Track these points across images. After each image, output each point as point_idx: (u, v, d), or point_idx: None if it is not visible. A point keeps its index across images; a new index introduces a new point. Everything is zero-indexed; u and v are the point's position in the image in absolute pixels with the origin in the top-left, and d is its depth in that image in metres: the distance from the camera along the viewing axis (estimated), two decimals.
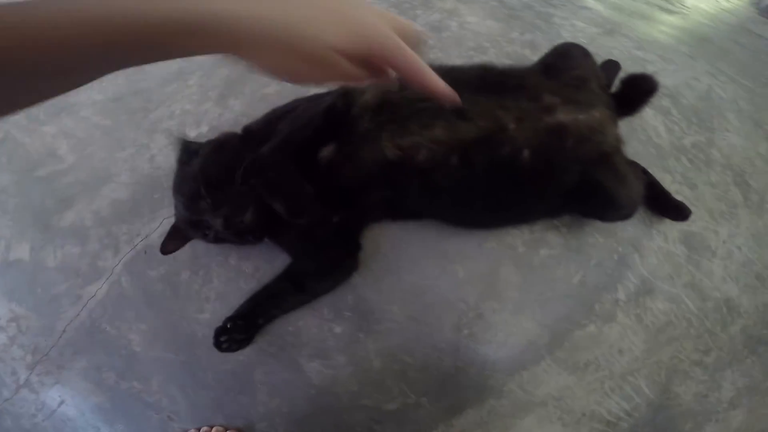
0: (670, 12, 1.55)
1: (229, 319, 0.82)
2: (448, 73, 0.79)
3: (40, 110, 1.08)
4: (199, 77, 1.09)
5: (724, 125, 1.15)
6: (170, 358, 0.87)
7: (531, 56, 1.13)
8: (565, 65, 0.93)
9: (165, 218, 0.94)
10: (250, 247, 0.89)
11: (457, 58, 1.14)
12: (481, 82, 0.85)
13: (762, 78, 1.37)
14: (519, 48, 1.17)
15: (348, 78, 0.42)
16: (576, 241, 0.92)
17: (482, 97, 0.80)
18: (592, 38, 1.25)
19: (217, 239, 0.82)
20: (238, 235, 0.79)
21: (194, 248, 0.90)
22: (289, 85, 1.12)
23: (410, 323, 0.86)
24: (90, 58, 0.32)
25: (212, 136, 0.97)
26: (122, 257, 0.93)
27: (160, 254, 0.87)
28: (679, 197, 0.97)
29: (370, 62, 0.41)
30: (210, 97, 1.05)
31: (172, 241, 0.86)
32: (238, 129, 0.89)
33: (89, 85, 1.07)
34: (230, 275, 0.89)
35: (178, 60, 1.12)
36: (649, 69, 1.20)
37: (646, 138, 1.05)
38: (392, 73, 0.44)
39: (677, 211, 0.97)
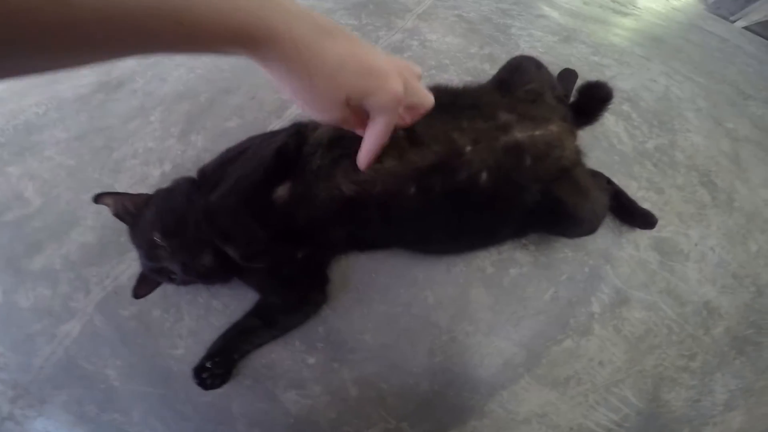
0: (623, 14, 1.45)
1: (206, 357, 0.74)
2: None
3: (3, 150, 0.97)
4: (161, 113, 0.97)
5: (684, 125, 1.06)
6: (148, 392, 0.79)
7: (490, 70, 1.03)
8: (519, 79, 0.83)
9: (133, 260, 0.84)
10: (219, 285, 0.80)
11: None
12: (440, 108, 0.75)
13: (716, 74, 1.28)
14: (478, 63, 1.07)
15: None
16: (545, 257, 0.83)
17: (436, 120, 0.69)
18: (550, 47, 1.15)
19: (185, 282, 0.73)
20: (201, 278, 0.71)
21: (164, 288, 0.81)
22: (250, 118, 1.01)
23: (384, 351, 0.77)
24: (143, 39, 0.30)
25: (175, 174, 0.87)
26: (93, 298, 0.84)
27: (130, 294, 0.77)
28: (646, 204, 0.89)
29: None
30: (172, 134, 0.94)
31: (143, 286, 0.77)
32: (198, 167, 0.80)
33: (52, 123, 0.94)
34: (200, 312, 0.80)
35: (139, 95, 1.02)
36: (606, 74, 1.11)
37: (608, 145, 0.96)
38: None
39: (644, 219, 0.87)
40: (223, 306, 0.80)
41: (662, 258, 0.88)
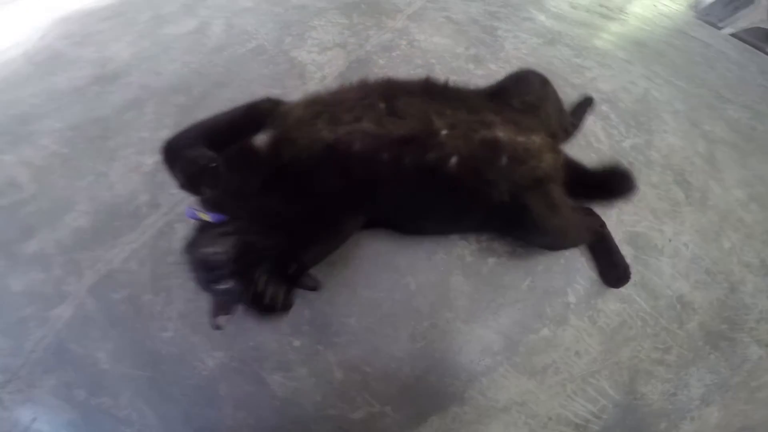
0: (609, 18, 1.52)
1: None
2: (387, 82, 0.72)
3: None
4: (155, 105, 1.02)
5: (661, 126, 1.12)
6: (137, 375, 0.82)
7: (475, 70, 1.09)
8: (519, 89, 0.89)
9: (126, 244, 0.88)
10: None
11: (405, 76, 1.08)
12: (422, 90, 0.81)
13: (696, 79, 1.35)
14: (464, 63, 1.13)
15: None
16: (522, 248, 0.88)
17: (419, 101, 0.76)
18: (533, 49, 1.22)
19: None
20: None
21: (154, 271, 0.85)
22: None
23: (367, 334, 0.82)
24: None
25: None
26: (86, 282, 0.87)
27: (122, 278, 0.83)
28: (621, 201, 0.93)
29: None
30: (166, 125, 0.99)
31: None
32: None
33: (47, 113, 0.99)
34: (190, 296, 0.84)
35: (134, 88, 1.07)
36: (587, 75, 1.17)
37: (586, 143, 1.02)
38: None
39: (619, 272, 0.90)
40: None
41: (636, 252, 0.93)
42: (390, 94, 0.79)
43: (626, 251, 0.93)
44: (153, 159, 0.94)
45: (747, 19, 1.82)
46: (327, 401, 0.80)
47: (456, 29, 1.23)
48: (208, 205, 0.76)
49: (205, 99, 1.03)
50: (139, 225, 0.89)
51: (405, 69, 0.98)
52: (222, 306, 0.75)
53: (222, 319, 0.74)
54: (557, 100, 0.96)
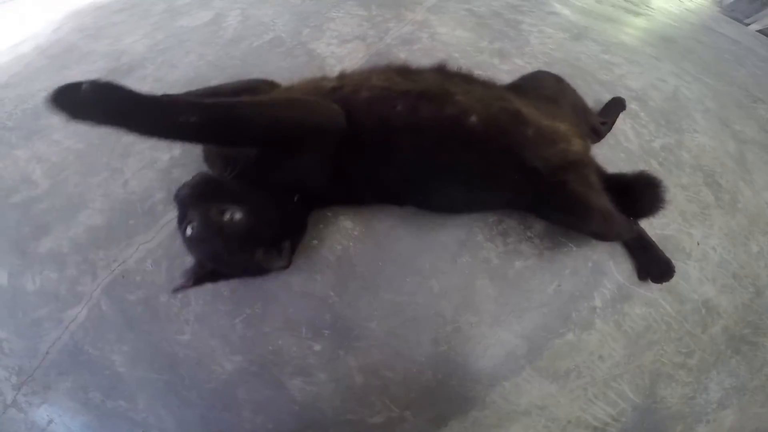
0: (636, 14, 1.51)
1: None
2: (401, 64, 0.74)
3: (11, 134, 1.01)
4: None
5: (692, 126, 1.11)
6: (154, 378, 0.82)
7: (500, 65, 1.08)
8: (535, 86, 0.88)
9: (141, 244, 0.88)
10: None
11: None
12: (437, 71, 0.82)
13: (725, 76, 1.33)
14: (488, 57, 1.12)
15: None
16: (549, 251, 0.87)
17: (434, 76, 0.77)
18: (560, 44, 1.20)
19: None
20: None
21: (171, 272, 0.85)
22: None
23: (389, 339, 0.81)
24: None
25: (185, 159, 0.93)
26: (100, 282, 0.87)
27: (137, 279, 0.83)
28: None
29: None
30: None
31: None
32: None
33: None
34: (207, 298, 0.84)
35: (149, 81, 1.06)
36: (616, 72, 1.16)
37: (615, 142, 1.01)
38: None
39: (663, 268, 0.88)
40: (231, 291, 0.83)
41: None
42: (403, 70, 0.80)
43: None
44: (168, 155, 0.94)
45: None
46: (346, 406, 0.80)
47: (478, 22, 1.22)
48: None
49: None
50: (154, 223, 0.89)
51: (427, 62, 0.97)
52: (190, 273, 0.74)
53: (180, 286, 0.73)
54: (577, 98, 0.95)
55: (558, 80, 0.93)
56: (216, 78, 1.05)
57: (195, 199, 0.66)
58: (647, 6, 1.57)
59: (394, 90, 0.73)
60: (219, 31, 1.16)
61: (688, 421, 0.87)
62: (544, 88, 0.88)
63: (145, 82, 1.05)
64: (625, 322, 0.87)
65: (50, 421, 0.83)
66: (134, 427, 0.82)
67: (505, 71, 1.07)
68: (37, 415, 0.84)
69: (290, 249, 0.74)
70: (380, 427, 0.80)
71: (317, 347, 0.81)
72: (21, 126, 1.02)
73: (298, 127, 0.69)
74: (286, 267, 0.72)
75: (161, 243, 0.87)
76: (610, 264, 0.89)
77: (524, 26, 1.24)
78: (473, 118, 0.71)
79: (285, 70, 0.97)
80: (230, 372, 0.81)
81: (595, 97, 1.07)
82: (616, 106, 1.06)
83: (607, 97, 1.09)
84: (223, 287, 0.84)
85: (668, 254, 0.92)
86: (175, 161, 0.93)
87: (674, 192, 0.98)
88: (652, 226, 0.93)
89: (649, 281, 0.89)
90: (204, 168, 0.84)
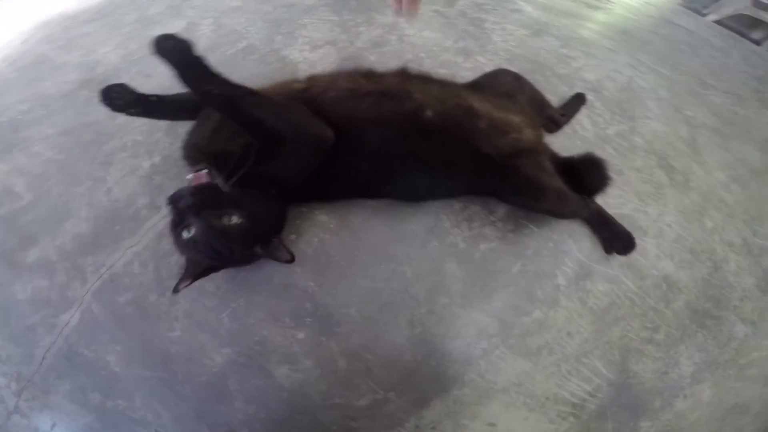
0: (595, 8, 1.61)
1: None
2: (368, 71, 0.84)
3: None
4: None
5: (645, 113, 1.20)
6: (148, 375, 0.88)
7: (463, 63, 1.16)
8: (493, 83, 0.98)
9: (128, 248, 0.93)
10: None
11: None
12: (398, 74, 0.92)
13: (680, 66, 1.44)
14: (452, 56, 1.20)
15: None
16: (512, 233, 0.95)
17: (395, 78, 0.88)
18: (521, 40, 1.29)
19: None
20: None
21: (158, 272, 0.91)
22: None
23: (368, 323, 0.88)
24: None
25: (166, 166, 0.98)
26: (90, 287, 0.92)
27: (126, 281, 0.89)
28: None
29: None
30: (160, 127, 1.04)
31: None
32: None
33: (38, 119, 1.04)
34: (194, 295, 0.89)
35: None
36: (573, 66, 1.25)
37: (572, 132, 1.09)
38: None
39: (624, 239, 0.97)
40: (216, 288, 0.89)
41: None
42: (368, 73, 0.91)
43: None
44: (149, 162, 1.00)
45: (731, 6, 1.92)
46: (333, 390, 0.86)
47: (445, 23, 1.30)
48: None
49: None
50: (139, 228, 0.94)
51: (396, 64, 1.03)
52: (188, 272, 0.81)
53: (182, 284, 0.80)
54: (534, 92, 1.05)
55: (516, 77, 1.03)
56: None
57: (195, 206, 0.73)
58: (608, 0, 1.68)
59: (359, 90, 0.84)
60: (192, 40, 1.21)
61: (665, 395, 0.94)
62: (501, 84, 0.98)
63: None
64: (590, 299, 0.94)
65: (54, 425, 0.88)
66: (134, 426, 0.86)
67: (467, 69, 1.15)
68: (40, 420, 0.88)
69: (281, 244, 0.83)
70: (366, 409, 0.85)
71: (300, 335, 0.87)
72: None
73: (298, 126, 0.80)
74: (292, 260, 0.81)
75: (147, 246, 0.92)
76: (570, 243, 0.96)
77: (487, 24, 1.33)
78: (429, 113, 0.83)
79: (259, 77, 1.03)
80: (221, 364, 0.86)
81: (553, 90, 1.15)
82: (577, 101, 1.16)
83: (564, 89, 1.18)
84: (209, 284, 0.89)
85: None
86: (156, 168, 0.99)
87: (629, 175, 1.07)
88: (609, 206, 1.00)
89: (615, 254, 0.97)
90: (184, 173, 0.89)
